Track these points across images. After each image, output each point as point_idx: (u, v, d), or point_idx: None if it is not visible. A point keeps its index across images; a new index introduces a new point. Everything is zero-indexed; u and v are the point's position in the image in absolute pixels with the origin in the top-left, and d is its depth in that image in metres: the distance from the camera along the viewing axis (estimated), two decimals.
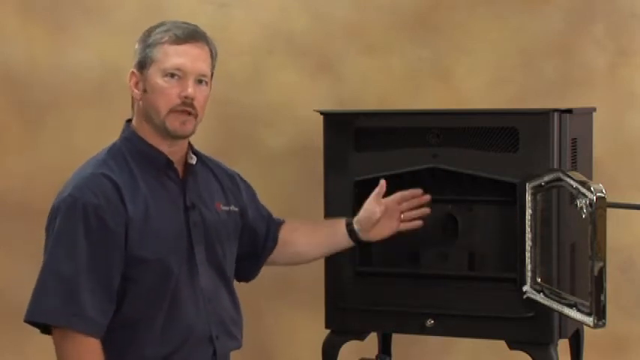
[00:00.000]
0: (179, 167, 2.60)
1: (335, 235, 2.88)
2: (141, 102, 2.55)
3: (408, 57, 3.80)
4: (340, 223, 2.87)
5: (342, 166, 3.01)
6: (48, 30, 3.83)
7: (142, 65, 2.54)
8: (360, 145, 3.00)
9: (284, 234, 2.87)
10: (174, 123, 2.52)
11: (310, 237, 2.90)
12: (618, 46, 3.72)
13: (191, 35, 2.54)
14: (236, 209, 2.72)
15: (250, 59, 3.82)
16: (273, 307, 3.85)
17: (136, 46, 2.57)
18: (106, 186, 2.46)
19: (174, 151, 2.58)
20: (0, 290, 3.85)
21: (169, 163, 2.57)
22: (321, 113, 3.05)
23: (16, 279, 3.82)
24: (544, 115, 2.84)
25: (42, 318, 2.44)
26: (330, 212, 3.03)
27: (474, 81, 3.77)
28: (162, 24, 2.56)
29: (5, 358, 3.86)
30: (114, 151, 2.56)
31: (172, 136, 2.54)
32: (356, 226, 2.85)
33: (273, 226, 2.87)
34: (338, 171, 3.02)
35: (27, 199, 3.81)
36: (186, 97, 2.51)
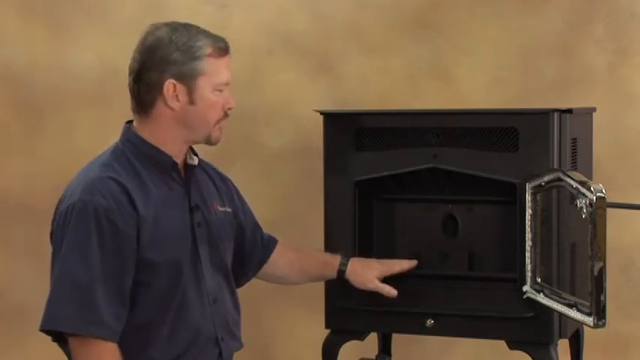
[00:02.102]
0: (181, 169, 2.61)
1: (323, 274, 2.95)
2: (179, 112, 2.53)
3: (408, 57, 3.80)
4: (332, 266, 2.92)
5: (342, 166, 3.01)
6: (48, 30, 3.83)
7: (186, 76, 2.51)
8: (360, 145, 3.00)
9: (274, 255, 2.91)
10: (216, 133, 2.58)
11: (296, 267, 2.94)
12: (618, 46, 3.72)
13: (228, 47, 2.57)
14: (229, 210, 2.73)
15: (250, 59, 3.82)
16: (273, 307, 3.85)
17: (174, 55, 2.50)
18: (115, 189, 2.45)
19: (178, 154, 2.59)
20: (0, 290, 3.85)
21: (175, 164, 2.57)
22: (321, 113, 3.06)
23: (16, 279, 3.82)
24: (544, 115, 2.84)
25: (59, 326, 2.42)
26: (330, 212, 3.03)
27: (474, 81, 3.77)
28: (196, 32, 2.53)
29: (5, 357, 3.86)
30: (117, 154, 2.55)
31: (210, 145, 2.59)
32: (347, 275, 2.91)
33: (264, 239, 2.89)
34: (338, 171, 3.02)
35: (27, 199, 3.81)
36: (229, 109, 2.57)
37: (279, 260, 2.91)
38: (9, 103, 3.84)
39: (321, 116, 3.05)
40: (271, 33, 3.83)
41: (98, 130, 3.76)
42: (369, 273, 2.92)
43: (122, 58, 3.71)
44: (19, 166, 3.85)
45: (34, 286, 3.60)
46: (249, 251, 2.84)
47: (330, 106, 3.62)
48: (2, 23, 3.83)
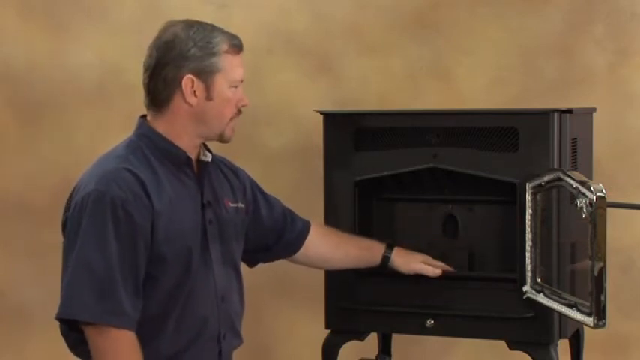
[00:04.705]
0: (194, 165, 2.61)
1: (365, 258, 2.95)
2: (196, 107, 2.54)
3: (408, 57, 3.80)
4: (377, 251, 2.94)
5: (342, 166, 3.01)
6: (48, 30, 3.83)
7: (204, 72, 2.52)
8: (360, 145, 3.00)
9: (312, 238, 2.90)
10: (229, 131, 2.59)
11: (342, 250, 2.94)
12: (618, 46, 3.72)
13: (242, 45, 2.60)
14: (242, 206, 2.73)
15: (250, 59, 3.80)
16: (273, 306, 3.85)
17: (192, 50, 2.52)
18: (131, 180, 2.45)
19: (191, 150, 2.59)
20: (0, 290, 3.85)
21: (189, 160, 2.58)
22: (321, 113, 3.06)
23: (16, 279, 3.82)
24: (544, 115, 2.84)
25: (78, 315, 2.41)
26: (330, 212, 3.03)
27: (474, 81, 3.77)
28: (211, 29, 2.57)
29: (5, 357, 3.86)
30: (133, 147, 2.55)
31: (222, 142, 2.60)
32: (392, 259, 2.94)
33: (296, 224, 2.89)
34: (338, 171, 3.02)
35: (27, 199, 3.81)
36: (243, 106, 2.59)
37: (320, 244, 2.92)
38: (9, 103, 3.85)
39: (321, 116, 3.06)
40: (271, 33, 3.83)
41: (98, 130, 3.76)
42: (413, 257, 2.96)
43: (122, 58, 3.73)
44: (19, 166, 3.85)
45: (34, 286, 3.61)
46: (275, 236, 2.85)
47: (330, 106, 3.62)
48: (2, 23, 3.84)
